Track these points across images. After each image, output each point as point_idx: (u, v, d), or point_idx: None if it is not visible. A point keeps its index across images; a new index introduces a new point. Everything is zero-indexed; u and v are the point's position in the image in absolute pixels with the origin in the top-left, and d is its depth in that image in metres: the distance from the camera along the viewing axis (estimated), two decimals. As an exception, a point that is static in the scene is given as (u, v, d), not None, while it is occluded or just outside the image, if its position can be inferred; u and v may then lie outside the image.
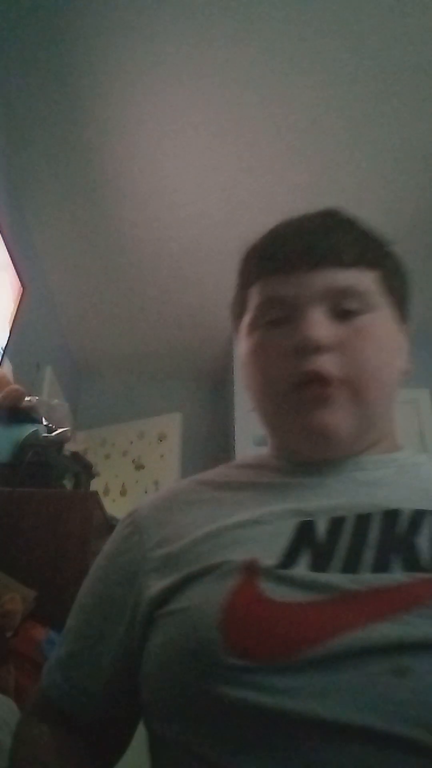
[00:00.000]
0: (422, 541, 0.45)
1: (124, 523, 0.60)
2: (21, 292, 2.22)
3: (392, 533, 0.46)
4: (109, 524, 1.83)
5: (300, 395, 0.52)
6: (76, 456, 1.84)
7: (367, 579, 0.43)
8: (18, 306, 2.20)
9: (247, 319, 0.59)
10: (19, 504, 1.53)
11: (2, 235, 1.99)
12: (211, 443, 4.29)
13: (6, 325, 2.11)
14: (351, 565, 0.44)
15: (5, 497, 1.53)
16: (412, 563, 0.44)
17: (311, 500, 0.51)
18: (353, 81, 2.25)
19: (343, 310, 0.53)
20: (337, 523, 0.48)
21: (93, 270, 3.41)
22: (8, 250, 2.05)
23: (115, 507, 3.58)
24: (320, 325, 0.52)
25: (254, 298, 0.58)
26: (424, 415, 3.79)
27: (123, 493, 4.16)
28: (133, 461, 4.28)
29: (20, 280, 2.19)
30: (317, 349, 0.51)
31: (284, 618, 0.42)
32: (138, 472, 4.24)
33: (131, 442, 4.34)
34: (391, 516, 0.48)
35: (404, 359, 0.60)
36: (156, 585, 0.50)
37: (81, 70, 2.21)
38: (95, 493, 1.66)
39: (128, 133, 2.49)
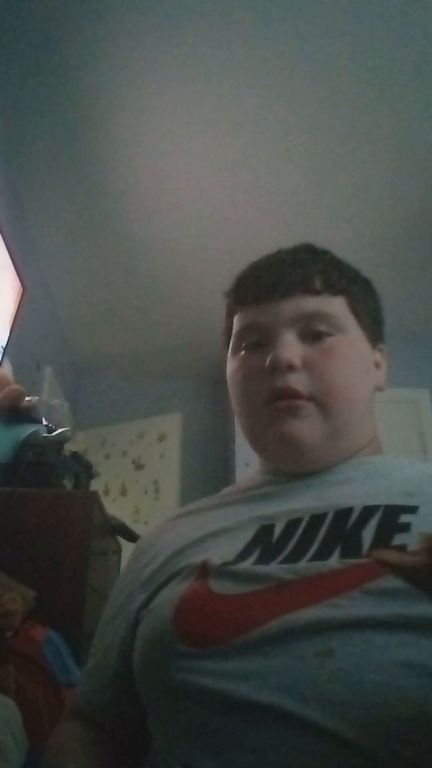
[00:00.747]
0: (366, 533, 0.48)
1: (133, 549, 0.68)
2: (21, 292, 2.22)
3: (340, 529, 0.49)
4: (109, 524, 1.83)
5: (273, 408, 0.57)
6: (76, 456, 1.84)
7: (302, 568, 0.46)
8: (18, 306, 2.20)
9: (230, 345, 0.66)
10: (19, 504, 1.53)
11: (2, 235, 1.99)
12: (211, 443, 4.29)
13: (6, 325, 2.11)
14: (292, 558, 0.48)
15: (5, 497, 1.53)
16: (351, 552, 0.46)
17: (276, 506, 0.56)
18: (353, 81, 2.25)
19: (313, 332, 0.59)
20: (292, 524, 0.52)
21: (93, 270, 3.41)
22: (8, 250, 2.05)
23: (115, 507, 3.59)
24: (291, 347, 0.58)
25: (235, 326, 0.65)
26: (424, 415, 3.79)
27: (123, 493, 4.16)
28: (133, 461, 4.28)
29: (20, 280, 2.19)
30: (288, 368, 0.56)
31: (223, 607, 0.46)
32: (138, 472, 4.24)
33: (131, 442, 4.34)
34: (342, 514, 0.51)
35: (377, 376, 0.65)
36: (141, 597, 0.56)
37: (82, 71, 2.21)
38: (95, 493, 1.66)
39: (128, 133, 2.49)
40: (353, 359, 0.59)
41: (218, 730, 0.42)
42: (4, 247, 2.02)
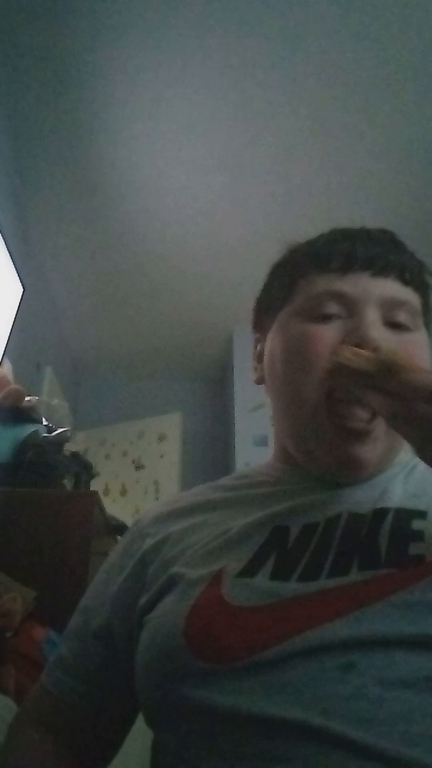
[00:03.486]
0: (381, 540, 0.46)
1: (128, 532, 0.64)
2: (21, 292, 2.22)
3: (354, 535, 0.48)
4: (109, 524, 1.82)
5: (339, 423, 0.51)
6: (76, 456, 1.84)
7: (323, 582, 0.44)
8: (18, 306, 2.20)
9: (290, 308, 0.59)
10: (19, 504, 1.53)
11: (2, 235, 1.99)
12: (211, 443, 4.29)
13: (6, 325, 2.11)
14: (311, 574, 0.45)
15: (5, 497, 1.53)
16: (370, 562, 0.45)
17: (290, 505, 0.53)
18: (353, 81, 2.25)
19: (394, 323, 0.55)
20: (308, 530, 0.50)
21: (93, 270, 3.41)
22: (8, 250, 2.05)
23: (115, 507, 3.58)
24: (379, 328, 0.53)
25: (306, 288, 0.57)
26: (424, 415, 3.78)
27: (123, 493, 4.16)
28: (133, 461, 4.28)
29: (20, 280, 2.19)
30: (374, 350, 0.51)
31: (241, 621, 0.43)
32: (138, 472, 4.23)
33: (131, 442, 4.34)
34: (355, 517, 0.49)
35: None
36: (146, 594, 0.53)
37: (83, 71, 2.21)
38: (95, 493, 1.66)
39: (128, 133, 2.49)
40: (426, 360, 0.56)
41: (240, 744, 0.40)
42: (4, 247, 2.01)
